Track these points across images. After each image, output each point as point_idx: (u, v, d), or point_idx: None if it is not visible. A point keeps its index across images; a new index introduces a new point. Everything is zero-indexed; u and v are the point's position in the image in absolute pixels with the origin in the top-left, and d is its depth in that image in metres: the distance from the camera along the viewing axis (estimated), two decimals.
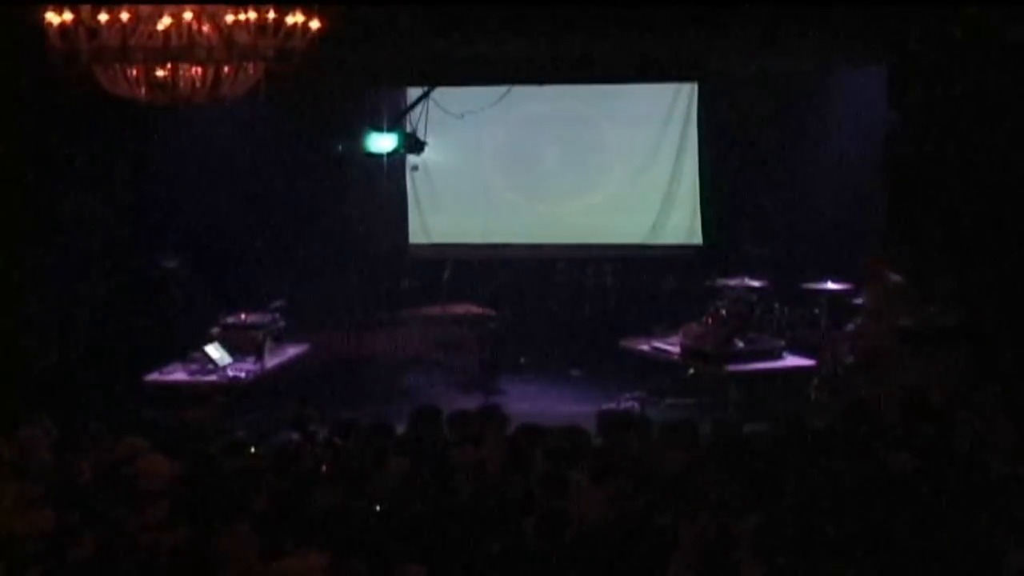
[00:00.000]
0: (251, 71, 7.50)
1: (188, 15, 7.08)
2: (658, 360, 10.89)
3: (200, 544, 5.47)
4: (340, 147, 11.92)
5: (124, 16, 6.99)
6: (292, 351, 10.77)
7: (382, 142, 11.63)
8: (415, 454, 6.71)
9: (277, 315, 10.63)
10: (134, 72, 7.35)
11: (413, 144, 11.87)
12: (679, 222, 13.33)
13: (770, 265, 11.77)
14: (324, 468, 6.76)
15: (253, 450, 7.15)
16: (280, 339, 10.61)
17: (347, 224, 12.63)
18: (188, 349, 10.21)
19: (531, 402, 10.14)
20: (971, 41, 10.01)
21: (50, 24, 7.04)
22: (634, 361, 11.17)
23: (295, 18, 7.32)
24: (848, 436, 7.02)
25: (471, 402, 9.88)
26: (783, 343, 10.60)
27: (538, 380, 11.40)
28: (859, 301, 10.53)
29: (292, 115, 11.98)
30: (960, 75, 10.23)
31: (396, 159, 12.58)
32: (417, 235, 13.62)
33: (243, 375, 9.88)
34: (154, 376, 9.95)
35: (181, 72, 7.37)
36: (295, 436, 7.45)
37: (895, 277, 9.96)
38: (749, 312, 11.02)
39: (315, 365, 11.23)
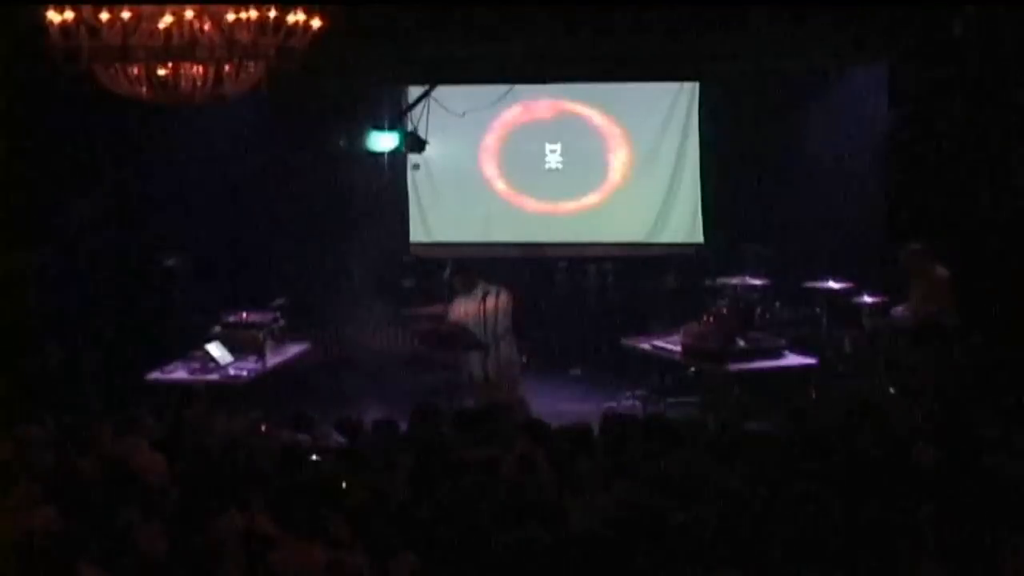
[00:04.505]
0: (252, 70, 7.51)
1: (189, 14, 7.08)
2: (659, 359, 10.88)
3: (199, 538, 5.48)
4: (342, 142, 11.92)
5: (125, 15, 6.99)
6: (293, 350, 10.74)
7: (383, 141, 11.62)
8: (418, 453, 6.71)
9: (278, 314, 10.62)
10: (135, 71, 7.35)
11: (414, 143, 11.86)
12: (680, 221, 13.32)
13: (771, 264, 11.76)
14: (325, 464, 6.77)
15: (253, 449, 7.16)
16: (281, 338, 10.59)
17: (348, 223, 12.62)
18: (189, 348, 10.21)
19: (532, 401, 10.12)
20: (971, 40, 10.02)
21: (51, 23, 7.04)
22: (635, 360, 11.16)
23: (296, 17, 7.33)
24: (851, 434, 7.03)
25: (471, 402, 9.90)
26: (784, 342, 10.59)
27: (538, 379, 11.38)
28: (865, 299, 10.51)
29: (293, 114, 11.99)
30: (960, 74, 10.24)
31: (397, 158, 12.58)
32: (418, 234, 13.62)
33: (244, 374, 9.87)
34: (155, 375, 9.94)
35: (182, 71, 7.38)
36: (299, 436, 7.44)
37: (941, 270, 9.95)
38: (750, 311, 11.02)
39: (315, 364, 11.23)
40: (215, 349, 10.01)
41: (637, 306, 12.45)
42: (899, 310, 10.24)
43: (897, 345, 10.24)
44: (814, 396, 10.45)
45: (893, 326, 10.28)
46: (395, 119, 11.94)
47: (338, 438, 7.61)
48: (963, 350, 9.74)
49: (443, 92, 12.08)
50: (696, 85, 13.10)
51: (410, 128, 11.89)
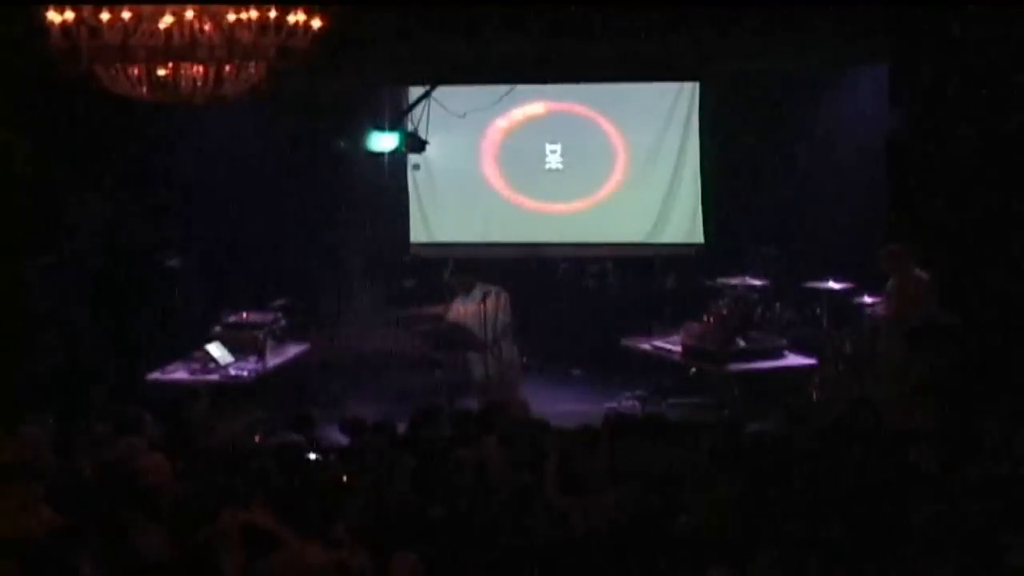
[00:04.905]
0: (253, 70, 7.51)
1: (190, 14, 7.08)
2: (660, 359, 10.89)
3: (199, 537, 5.49)
4: (343, 143, 11.92)
5: (126, 15, 6.99)
6: (293, 350, 10.75)
7: (383, 141, 11.61)
8: (419, 453, 6.72)
9: (278, 314, 10.62)
10: (136, 71, 7.35)
11: (414, 143, 11.86)
12: (680, 221, 13.32)
13: (771, 264, 11.76)
14: (325, 464, 6.78)
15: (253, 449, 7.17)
16: (281, 338, 10.60)
17: (348, 223, 12.63)
18: (189, 348, 10.21)
19: (532, 402, 10.11)
20: (971, 40, 10.01)
21: (51, 23, 7.04)
22: (635, 360, 11.17)
23: (297, 17, 7.33)
24: (852, 434, 7.03)
25: (472, 402, 9.91)
26: (785, 342, 10.60)
27: (539, 380, 11.39)
28: (866, 299, 10.50)
29: (293, 114, 11.99)
30: (961, 74, 10.23)
31: (397, 158, 12.58)
32: (418, 234, 13.62)
33: (245, 374, 9.88)
34: (155, 375, 9.95)
35: (183, 71, 7.38)
36: (296, 437, 7.44)
37: (920, 272, 9.94)
38: (750, 311, 11.02)
39: (315, 364, 11.23)
40: (215, 349, 10.02)
41: (637, 306, 12.45)
42: (876, 310, 10.27)
43: (897, 345, 10.22)
44: (814, 396, 10.45)
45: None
46: (395, 119, 11.93)
47: (339, 438, 7.61)
48: (962, 350, 9.73)
49: (443, 92, 12.08)
50: (696, 85, 13.10)
51: (410, 128, 11.88)
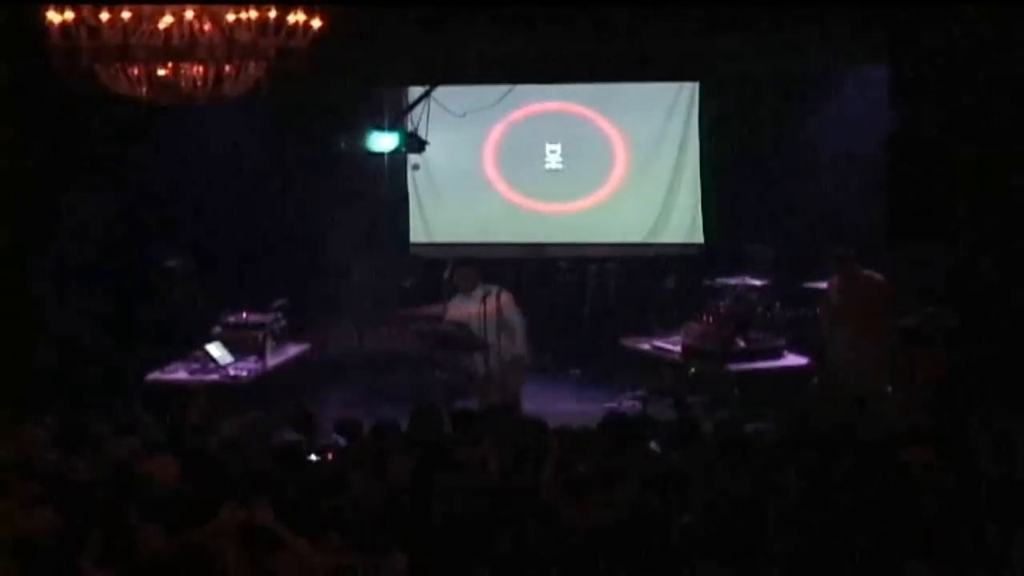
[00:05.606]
0: (252, 70, 7.52)
1: (189, 14, 7.10)
2: (659, 359, 10.89)
3: (199, 537, 5.49)
4: (343, 143, 11.93)
5: (125, 15, 7.01)
6: (293, 350, 10.76)
7: (383, 141, 11.62)
8: (419, 453, 6.72)
9: (278, 314, 10.62)
10: (135, 71, 7.38)
11: (414, 143, 11.86)
12: (680, 221, 13.33)
13: (771, 264, 11.76)
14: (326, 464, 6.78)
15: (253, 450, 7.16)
16: (281, 338, 10.60)
17: (348, 223, 12.63)
18: (189, 348, 10.21)
19: (531, 402, 10.13)
20: (971, 40, 10.01)
21: (51, 23, 7.05)
22: (635, 360, 11.17)
23: (296, 17, 7.35)
24: (851, 435, 7.03)
25: (471, 402, 9.91)
26: (784, 342, 10.60)
27: (538, 380, 11.38)
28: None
29: (293, 114, 12.00)
30: (961, 74, 10.23)
31: (397, 158, 12.58)
32: (418, 234, 13.62)
33: (244, 374, 9.88)
34: (155, 375, 9.95)
35: (182, 71, 7.40)
36: (296, 437, 7.44)
37: (872, 273, 9.94)
38: (750, 311, 11.02)
39: (315, 365, 11.23)
40: (215, 349, 10.03)
41: (637, 306, 12.45)
42: (821, 314, 10.32)
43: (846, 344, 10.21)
44: (814, 396, 10.44)
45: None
46: (395, 119, 11.94)
47: (338, 438, 7.61)
48: (962, 350, 9.74)
49: (443, 92, 12.08)
50: (696, 85, 13.10)
51: (410, 128, 11.89)
